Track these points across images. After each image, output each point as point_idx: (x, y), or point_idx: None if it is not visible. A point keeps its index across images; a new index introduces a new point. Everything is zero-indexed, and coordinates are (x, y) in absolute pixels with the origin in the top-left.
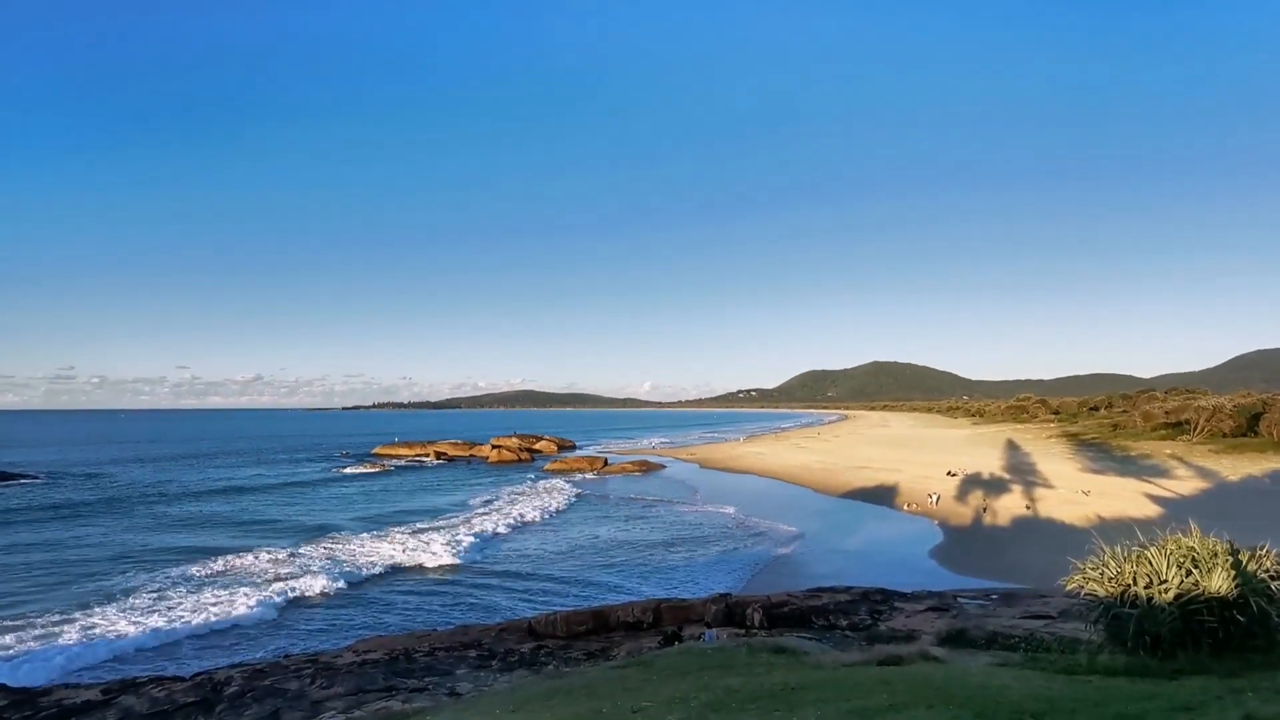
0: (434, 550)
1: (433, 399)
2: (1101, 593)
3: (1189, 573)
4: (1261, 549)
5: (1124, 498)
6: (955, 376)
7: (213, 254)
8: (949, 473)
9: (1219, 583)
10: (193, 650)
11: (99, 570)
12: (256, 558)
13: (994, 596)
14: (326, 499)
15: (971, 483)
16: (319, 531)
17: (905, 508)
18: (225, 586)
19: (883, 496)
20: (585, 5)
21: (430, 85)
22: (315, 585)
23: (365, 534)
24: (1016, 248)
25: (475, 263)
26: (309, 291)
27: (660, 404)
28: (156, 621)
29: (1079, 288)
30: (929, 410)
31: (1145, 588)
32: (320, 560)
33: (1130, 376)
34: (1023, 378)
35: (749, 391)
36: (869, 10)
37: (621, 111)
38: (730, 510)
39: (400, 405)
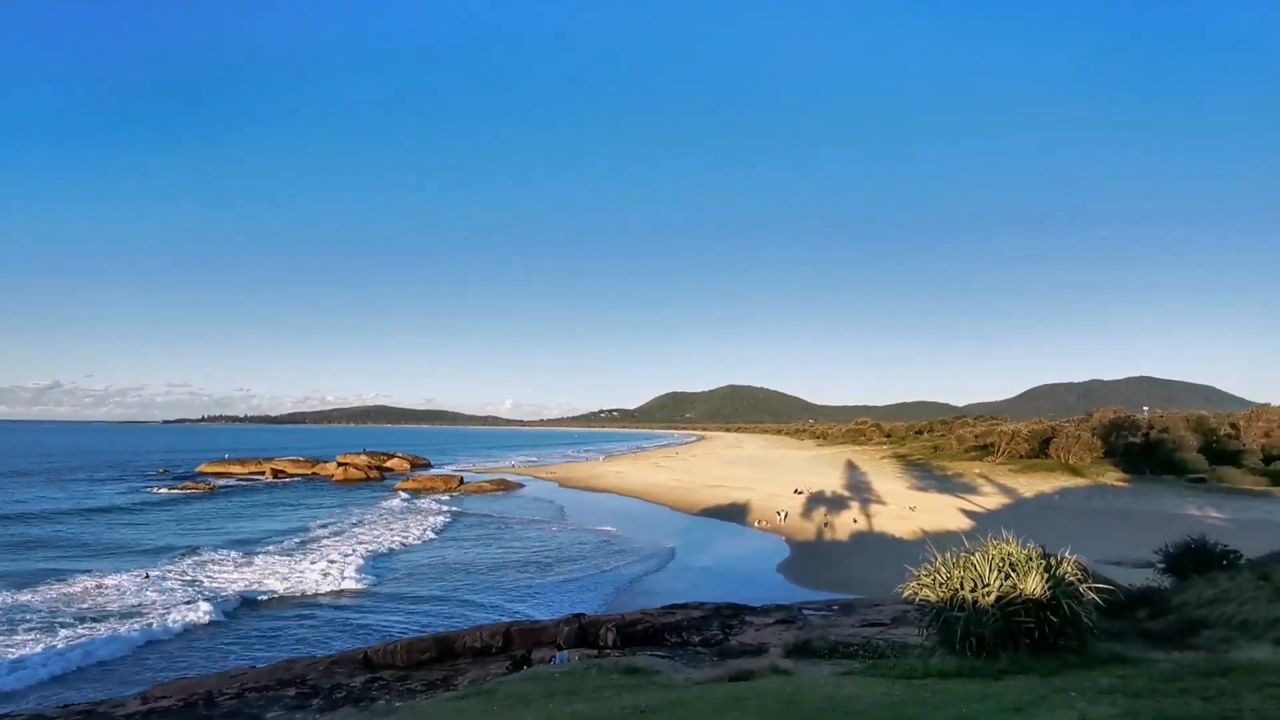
0: (243, 583)
1: (274, 413)
2: (933, 598)
3: (1008, 576)
4: (1063, 555)
5: (944, 512)
6: (802, 401)
7: None
8: (796, 491)
9: (1034, 585)
10: None
11: None
12: None
13: (835, 607)
14: (125, 527)
15: (816, 500)
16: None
17: (756, 524)
18: None
19: (736, 514)
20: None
21: (276, 94)
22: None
23: (154, 566)
24: (855, 283)
25: (323, 267)
26: (123, 287)
27: (522, 422)
28: None
29: (906, 322)
30: (779, 432)
31: (970, 591)
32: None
33: (947, 404)
34: (861, 403)
35: (611, 411)
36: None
37: (484, 128)
38: (589, 529)
39: (235, 419)
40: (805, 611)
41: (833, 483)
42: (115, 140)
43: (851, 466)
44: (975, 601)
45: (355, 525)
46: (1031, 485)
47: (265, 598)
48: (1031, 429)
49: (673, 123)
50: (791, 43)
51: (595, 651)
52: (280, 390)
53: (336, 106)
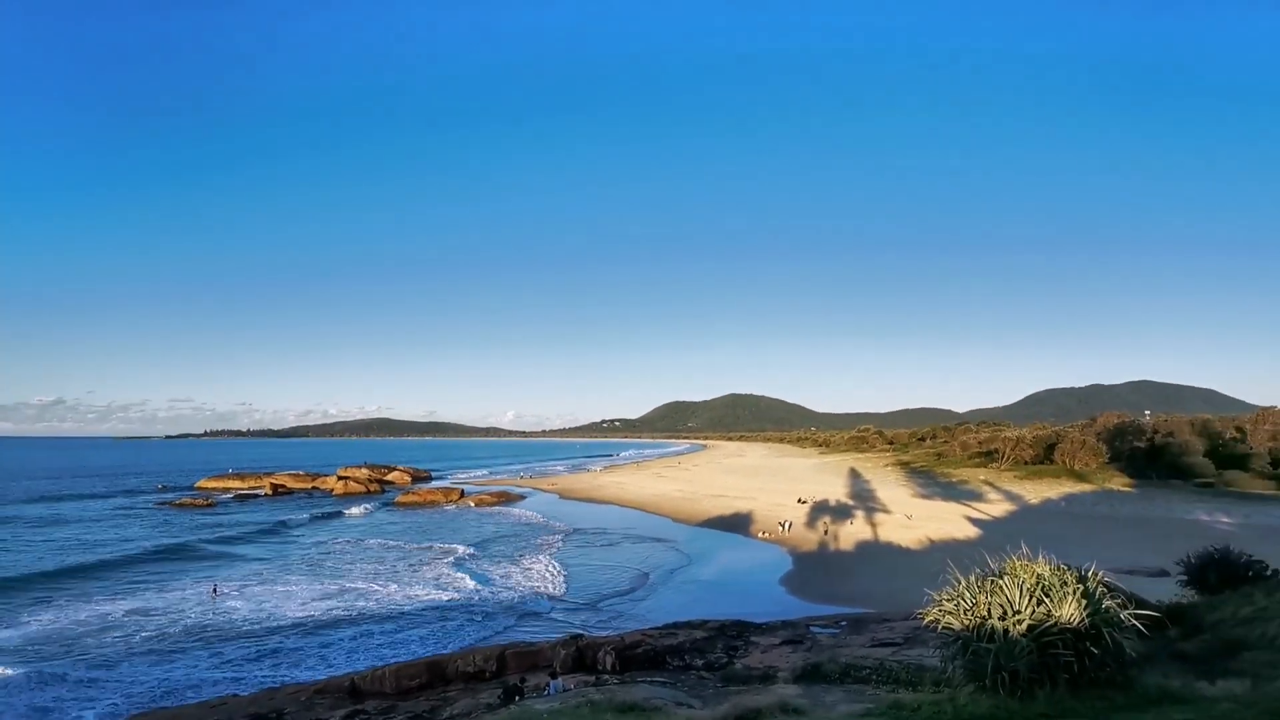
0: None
1: (276, 427)
2: (957, 625)
3: (1040, 601)
4: (1090, 570)
5: (950, 520)
6: (803, 409)
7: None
8: (799, 500)
9: (1071, 612)
10: None
11: None
12: None
13: (843, 623)
14: (134, 538)
15: (820, 510)
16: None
17: (760, 535)
18: None
19: (738, 524)
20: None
21: (276, 109)
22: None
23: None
24: (855, 290)
25: (324, 281)
26: (126, 304)
27: (524, 433)
28: None
29: (906, 329)
30: (781, 440)
31: (1000, 619)
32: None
33: (949, 410)
34: (863, 410)
35: (613, 421)
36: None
37: (483, 140)
38: (588, 539)
39: (238, 434)
40: (813, 629)
41: (836, 491)
42: (118, 156)
43: (855, 474)
44: (1006, 631)
45: (331, 535)
46: (1037, 491)
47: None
48: (1036, 435)
49: (673, 134)
50: (793, 53)
51: (593, 677)
52: (283, 404)
53: (335, 121)
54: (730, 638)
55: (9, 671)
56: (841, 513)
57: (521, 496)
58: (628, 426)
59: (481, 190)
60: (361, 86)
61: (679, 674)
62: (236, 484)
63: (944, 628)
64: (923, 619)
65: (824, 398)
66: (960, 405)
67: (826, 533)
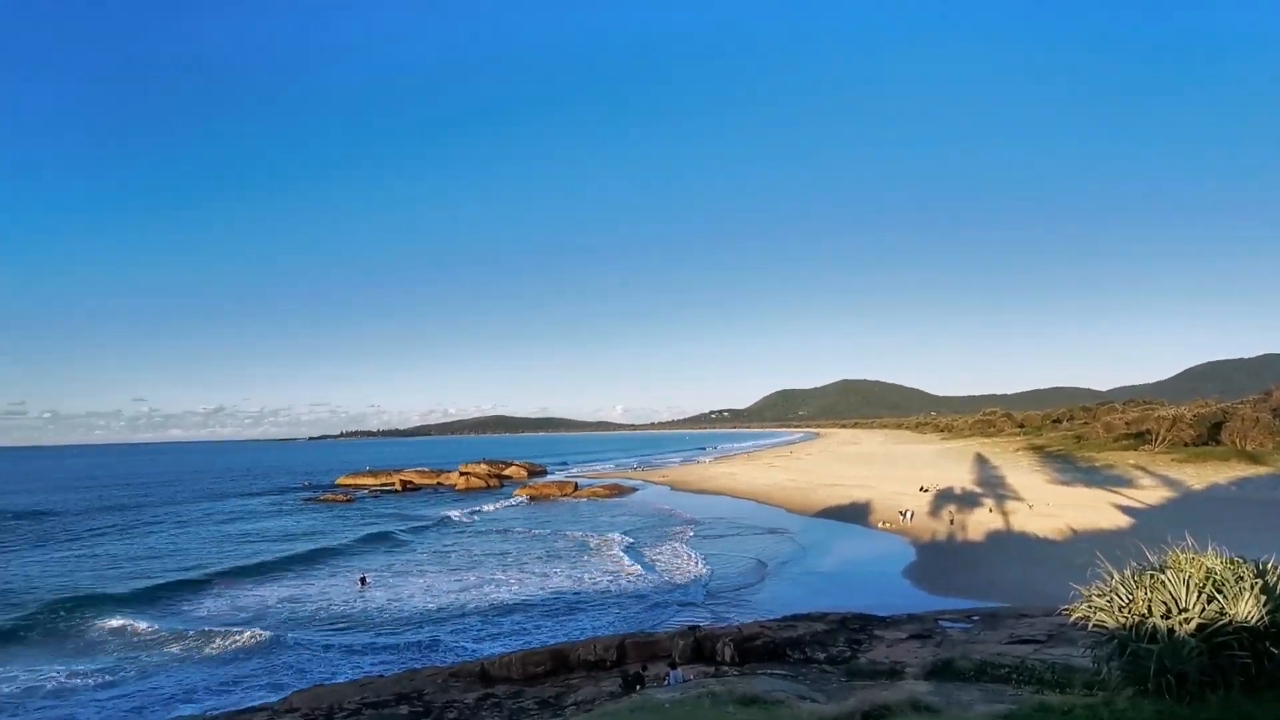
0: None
1: (402, 427)
2: (1111, 623)
3: (1211, 599)
4: (1269, 564)
5: (1093, 508)
6: (921, 393)
7: (169, 282)
8: (921, 488)
9: (1248, 609)
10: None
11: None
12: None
13: (975, 618)
14: (262, 534)
15: (944, 498)
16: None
17: (879, 525)
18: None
19: (856, 514)
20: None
21: (380, 106)
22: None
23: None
24: (976, 264)
25: (443, 288)
26: (272, 319)
27: (633, 426)
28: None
29: (1037, 302)
30: (898, 427)
31: (1163, 617)
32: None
33: (1088, 389)
34: (987, 392)
35: (721, 412)
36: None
37: (583, 130)
38: (699, 530)
39: (369, 433)
40: (941, 623)
41: (961, 478)
42: (256, 163)
43: (981, 460)
44: (1171, 630)
45: (453, 536)
46: (1201, 476)
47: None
48: (1198, 413)
49: (772, 118)
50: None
51: (712, 669)
52: (407, 405)
53: (432, 116)
54: (852, 631)
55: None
56: (968, 501)
57: (633, 489)
58: (736, 417)
59: (581, 184)
60: (453, 76)
61: (800, 667)
62: (370, 481)
63: (1095, 625)
64: (1069, 615)
65: (944, 380)
66: (1103, 383)
67: (952, 522)
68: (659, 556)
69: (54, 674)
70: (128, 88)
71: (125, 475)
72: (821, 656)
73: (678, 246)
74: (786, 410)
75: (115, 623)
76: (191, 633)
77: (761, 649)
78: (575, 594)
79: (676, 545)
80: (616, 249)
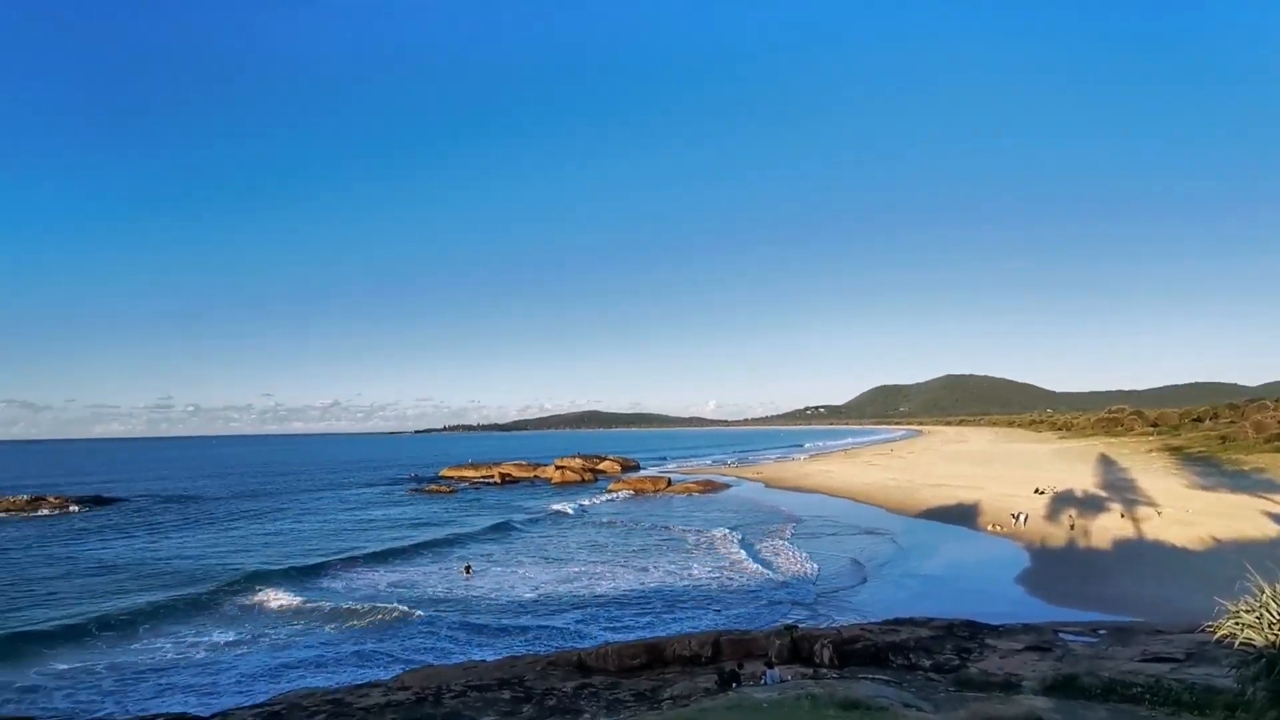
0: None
1: (501, 421)
2: (1260, 642)
3: None
4: None
5: (1240, 516)
6: (1036, 388)
7: (291, 285)
8: (1036, 490)
9: None
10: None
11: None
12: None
13: (1102, 632)
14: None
15: (1062, 501)
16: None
17: (989, 528)
18: (299, 615)
19: (963, 516)
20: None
21: (492, 106)
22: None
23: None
24: (1097, 249)
25: (539, 287)
26: (381, 318)
27: (725, 422)
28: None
29: (1172, 290)
30: (1010, 424)
31: None
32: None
33: (1234, 385)
34: (1111, 388)
35: (817, 408)
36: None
37: (679, 126)
38: (795, 529)
39: (470, 428)
40: (1062, 636)
41: (1083, 480)
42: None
43: (1106, 461)
44: None
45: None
46: None
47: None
48: None
49: (870, 110)
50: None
51: (810, 670)
52: (505, 400)
53: (520, 112)
54: (961, 639)
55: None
56: (1091, 505)
57: (726, 485)
58: (832, 413)
59: (670, 178)
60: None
61: (903, 673)
62: (471, 473)
63: (1243, 644)
64: (1212, 633)
65: (1062, 375)
66: (1252, 378)
67: (1073, 527)
68: (758, 553)
69: (198, 643)
70: (231, 87)
71: (256, 464)
72: (927, 664)
73: (772, 240)
74: (886, 406)
75: (250, 599)
76: (312, 611)
77: (862, 652)
78: (672, 589)
79: (775, 542)
80: (710, 244)
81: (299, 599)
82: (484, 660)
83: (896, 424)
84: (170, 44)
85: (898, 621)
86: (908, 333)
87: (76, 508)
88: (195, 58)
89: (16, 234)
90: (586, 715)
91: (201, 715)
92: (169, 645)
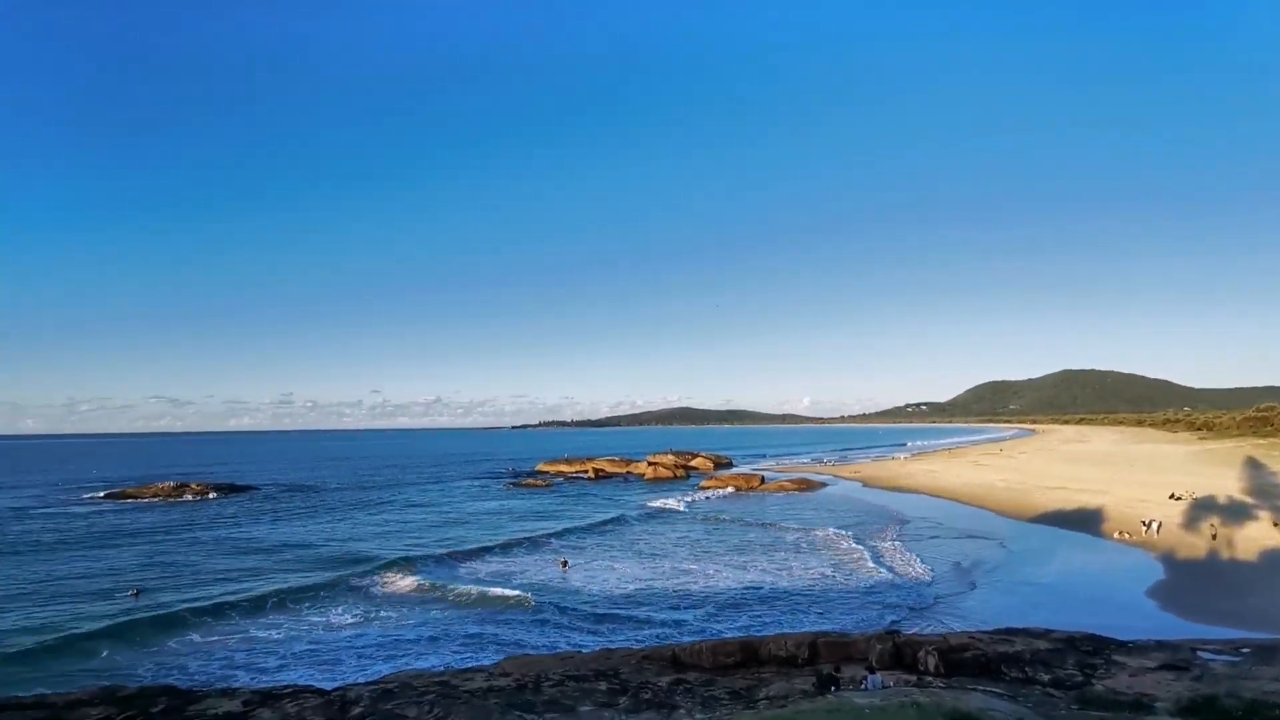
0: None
1: (594, 417)
2: None
3: None
4: None
5: None
6: (1170, 385)
7: (399, 288)
8: (1172, 496)
9: None
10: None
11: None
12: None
13: (1246, 650)
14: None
15: (1202, 508)
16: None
17: (1114, 535)
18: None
19: (1084, 522)
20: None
21: (573, 104)
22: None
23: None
24: (1243, 230)
25: (631, 284)
26: (481, 318)
27: (821, 420)
28: (343, 619)
29: None
30: (1138, 424)
31: None
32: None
33: None
34: (1261, 384)
35: (918, 405)
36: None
37: (765, 118)
38: (896, 531)
39: (563, 424)
40: (1201, 654)
41: (1226, 486)
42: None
43: (1255, 465)
44: None
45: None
46: None
47: None
48: None
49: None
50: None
51: (913, 677)
52: (598, 396)
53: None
54: (1084, 653)
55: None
56: (1236, 513)
57: (822, 484)
58: (935, 411)
59: (765, 170)
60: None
61: (1018, 687)
62: (566, 468)
63: None
64: None
65: (1200, 370)
66: None
67: (1215, 537)
68: (857, 555)
69: (321, 622)
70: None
71: (366, 457)
72: (1045, 678)
73: (870, 231)
74: (996, 404)
75: (365, 583)
76: (422, 597)
77: (971, 662)
78: (768, 587)
79: (876, 544)
80: (805, 238)
81: (410, 585)
82: (580, 651)
83: (1006, 422)
84: (281, 43)
85: (1011, 631)
86: (1018, 325)
87: (214, 494)
88: (293, 58)
89: (171, 242)
90: (682, 711)
91: (324, 688)
92: (294, 623)
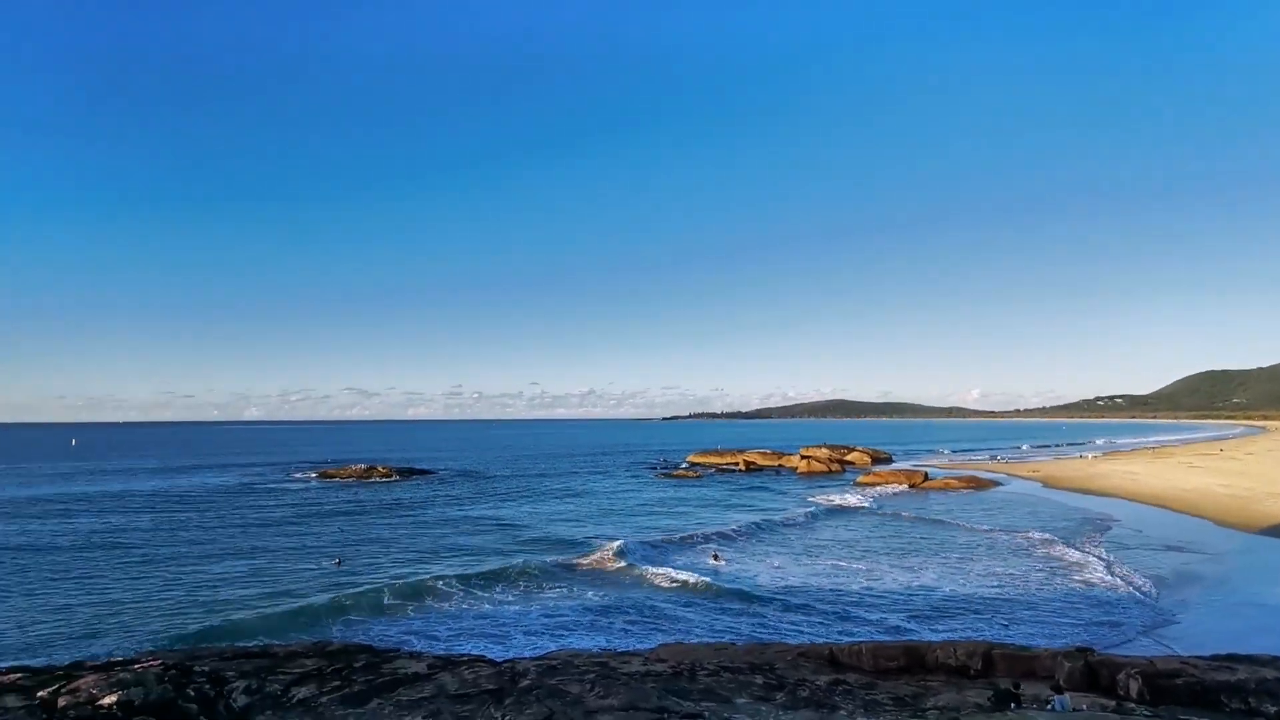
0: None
1: (744, 409)
2: None
3: None
4: None
5: None
6: None
7: (556, 285)
8: None
9: None
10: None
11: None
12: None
13: None
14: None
15: None
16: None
17: None
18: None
19: None
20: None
21: (708, 100)
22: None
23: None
24: None
25: (783, 273)
26: (631, 310)
27: (992, 414)
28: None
29: None
30: None
31: None
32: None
33: None
34: None
35: (1113, 398)
36: None
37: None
38: (1089, 538)
39: (713, 415)
40: None
41: None
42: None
43: None
44: None
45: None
46: None
47: None
48: None
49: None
50: None
51: (1112, 702)
52: (748, 388)
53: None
54: None
55: (672, 593)
56: None
57: (995, 483)
58: (1134, 404)
59: (941, 156)
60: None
61: None
62: (716, 459)
63: None
64: None
65: None
66: None
67: None
68: (1039, 561)
69: (494, 599)
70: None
71: (527, 445)
72: (1273, 710)
73: (1055, 210)
74: (1213, 396)
75: (532, 566)
76: (581, 580)
77: (1182, 689)
78: (936, 591)
79: (1061, 550)
80: (976, 216)
81: (573, 570)
82: (734, 643)
83: (1227, 418)
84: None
85: (1233, 657)
86: (1242, 301)
87: (397, 477)
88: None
89: (358, 253)
90: (842, 713)
91: (495, 660)
92: (472, 599)
